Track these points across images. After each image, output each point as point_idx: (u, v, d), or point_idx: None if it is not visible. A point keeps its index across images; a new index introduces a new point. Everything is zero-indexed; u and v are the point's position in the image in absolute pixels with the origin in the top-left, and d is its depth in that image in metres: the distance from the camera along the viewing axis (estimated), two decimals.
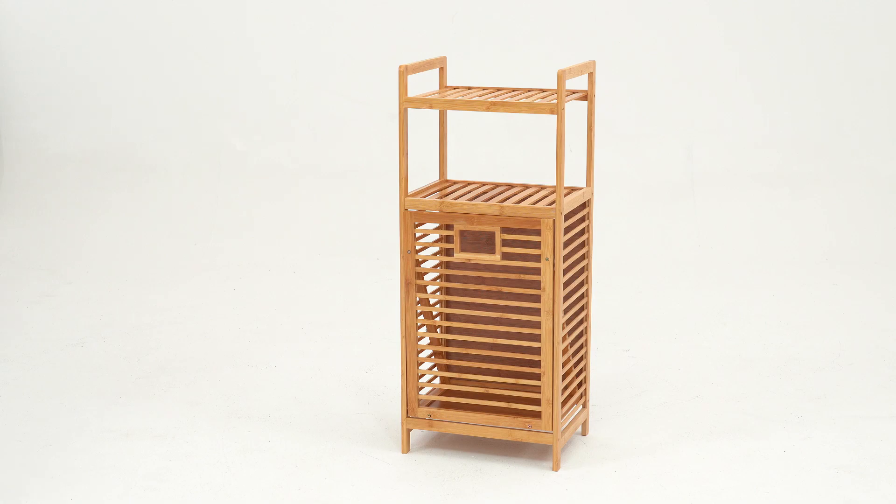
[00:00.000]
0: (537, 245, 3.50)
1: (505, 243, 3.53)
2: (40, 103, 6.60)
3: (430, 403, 3.73)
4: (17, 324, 4.98)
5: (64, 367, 4.49)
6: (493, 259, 3.53)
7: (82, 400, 4.18)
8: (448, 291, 3.72)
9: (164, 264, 5.74)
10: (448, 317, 3.74)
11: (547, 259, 3.45)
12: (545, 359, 3.53)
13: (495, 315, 3.59)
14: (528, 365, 3.61)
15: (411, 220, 3.57)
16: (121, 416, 4.03)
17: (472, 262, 3.58)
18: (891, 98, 6.15)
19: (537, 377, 3.59)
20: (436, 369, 3.71)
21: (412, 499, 3.48)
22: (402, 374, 3.67)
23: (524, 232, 3.51)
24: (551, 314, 3.49)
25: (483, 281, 3.64)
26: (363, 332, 4.80)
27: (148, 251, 5.79)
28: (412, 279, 3.61)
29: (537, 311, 3.56)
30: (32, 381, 4.36)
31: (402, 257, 3.60)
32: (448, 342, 3.72)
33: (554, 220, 3.47)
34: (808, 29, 6.16)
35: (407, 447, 3.75)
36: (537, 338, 3.60)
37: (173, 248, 5.93)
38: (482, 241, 3.81)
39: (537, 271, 3.53)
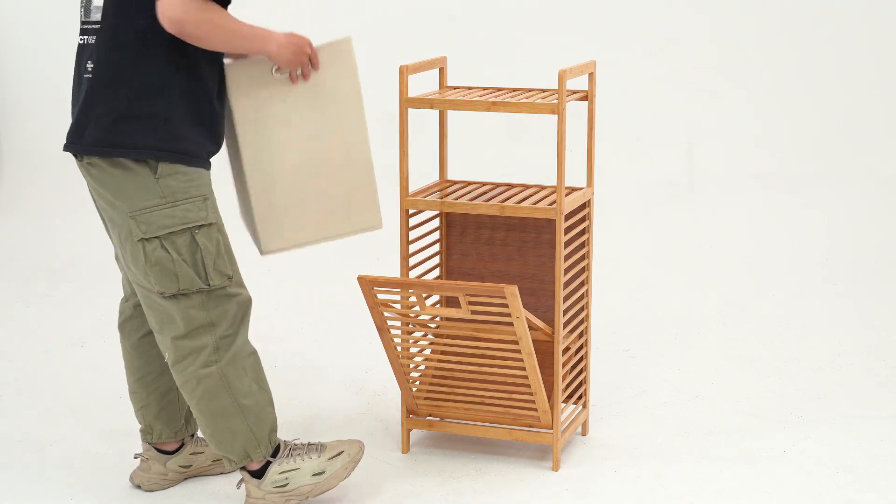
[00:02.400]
0: (504, 305, 3.38)
1: (472, 303, 3.40)
2: (40, 103, 6.60)
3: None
4: (17, 324, 4.98)
5: (64, 367, 4.49)
6: (462, 313, 3.41)
7: (82, 400, 4.18)
8: (423, 334, 3.63)
9: None
10: (429, 352, 3.68)
11: (518, 317, 3.37)
12: (533, 382, 3.48)
13: (477, 351, 3.52)
14: (519, 386, 3.56)
15: (368, 285, 3.43)
16: (121, 416, 4.03)
17: (440, 316, 3.46)
18: (891, 98, 6.15)
19: (530, 394, 3.55)
20: (428, 393, 3.67)
21: (412, 499, 3.48)
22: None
23: (489, 295, 3.35)
24: (532, 355, 3.42)
25: (457, 330, 3.53)
26: (363, 332, 4.79)
27: None
28: (384, 327, 3.54)
29: (518, 351, 3.45)
30: (32, 381, 4.36)
31: (370, 308, 3.51)
32: (437, 370, 3.67)
33: (555, 220, 3.47)
34: (808, 29, 6.17)
35: (407, 447, 3.74)
36: (523, 369, 3.49)
37: None
38: (482, 241, 3.81)
39: (510, 324, 3.42)
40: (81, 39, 3.21)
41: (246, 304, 3.29)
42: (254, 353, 3.32)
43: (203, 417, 3.28)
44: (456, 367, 3.57)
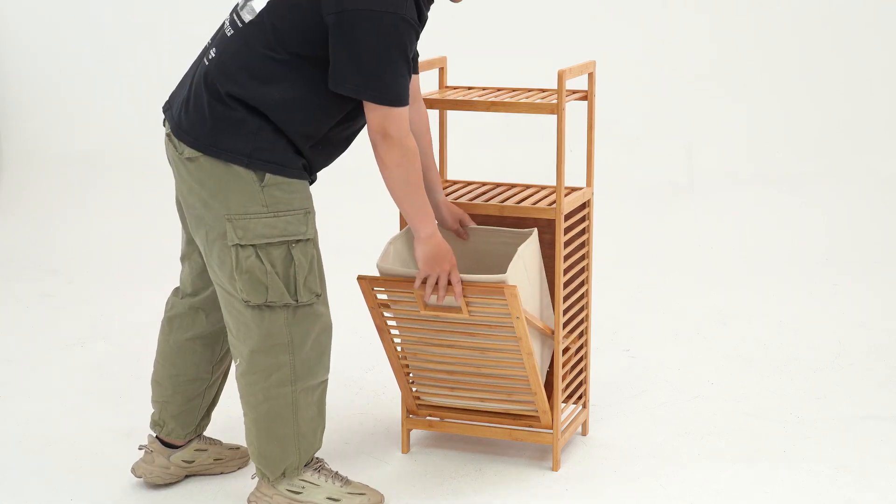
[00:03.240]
0: (504, 305, 3.32)
1: (471, 303, 3.37)
2: (40, 103, 6.60)
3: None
4: (17, 324, 4.98)
5: (64, 367, 4.49)
6: (462, 316, 3.40)
7: (82, 400, 4.18)
8: (423, 335, 3.57)
9: (164, 264, 5.73)
10: (427, 353, 3.64)
11: (518, 318, 3.35)
12: (533, 383, 3.48)
13: (475, 351, 3.51)
14: (518, 386, 3.56)
15: (368, 284, 3.44)
16: (121, 416, 4.03)
17: (440, 316, 3.44)
18: (891, 98, 6.15)
19: (529, 393, 3.55)
20: (431, 395, 3.67)
21: (412, 499, 3.48)
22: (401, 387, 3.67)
23: (488, 296, 3.34)
24: (532, 355, 3.43)
25: (455, 328, 3.49)
26: (363, 333, 4.79)
27: (148, 250, 5.79)
28: (384, 327, 3.54)
29: (517, 350, 3.44)
30: (32, 381, 4.36)
31: (370, 309, 3.51)
32: (433, 371, 3.66)
33: (555, 220, 3.47)
34: (808, 29, 6.16)
35: (407, 447, 3.74)
36: (522, 368, 3.48)
37: (174, 247, 5.92)
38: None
39: (509, 323, 3.41)
40: (229, 29, 3.14)
41: (329, 329, 3.26)
42: (326, 380, 3.30)
43: (257, 431, 3.24)
44: (456, 367, 3.56)
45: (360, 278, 3.40)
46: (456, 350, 3.52)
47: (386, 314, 3.51)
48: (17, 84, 6.61)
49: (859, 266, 5.58)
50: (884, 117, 6.14)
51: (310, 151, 3.18)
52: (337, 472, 3.38)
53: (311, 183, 3.26)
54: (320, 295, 3.22)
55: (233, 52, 3.09)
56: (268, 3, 3.08)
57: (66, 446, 3.82)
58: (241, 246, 3.09)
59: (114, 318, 5.00)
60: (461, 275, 3.32)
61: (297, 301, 3.15)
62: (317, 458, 3.38)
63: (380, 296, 3.45)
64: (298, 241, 3.14)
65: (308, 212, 3.16)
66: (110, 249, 5.87)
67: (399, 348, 3.59)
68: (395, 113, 3.07)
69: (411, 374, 3.64)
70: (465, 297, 3.33)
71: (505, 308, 3.33)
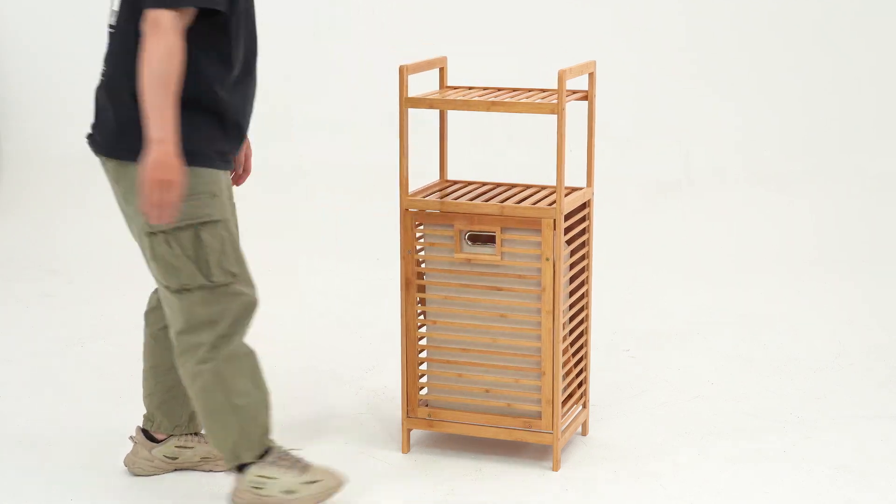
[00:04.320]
0: (538, 245, 3.49)
1: (505, 243, 3.52)
2: (40, 103, 6.60)
3: (429, 403, 3.72)
4: (17, 324, 4.98)
5: (64, 367, 4.49)
6: (494, 259, 3.52)
7: (82, 400, 4.18)
8: (448, 292, 3.69)
9: None
10: (448, 317, 3.72)
11: (548, 259, 3.45)
12: (545, 358, 3.53)
13: (495, 315, 3.58)
14: (528, 365, 3.60)
15: (412, 219, 3.56)
16: (121, 416, 4.03)
17: (472, 261, 3.57)
18: (879, 97, 6.14)
19: (537, 377, 3.58)
20: (437, 368, 3.70)
21: (412, 499, 3.48)
22: (403, 374, 3.67)
23: (525, 231, 3.49)
24: (552, 314, 3.48)
25: (483, 281, 3.62)
26: (363, 332, 4.80)
27: None
28: (412, 279, 3.60)
29: (537, 311, 3.54)
30: (32, 381, 4.36)
31: (403, 257, 3.60)
32: (448, 342, 3.71)
33: (554, 220, 3.47)
34: (796, 28, 6.16)
35: (407, 447, 3.74)
36: (538, 338, 3.57)
37: None
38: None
39: (537, 271, 3.52)
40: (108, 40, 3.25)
41: (251, 307, 3.30)
42: (250, 353, 3.33)
43: (200, 413, 3.34)
44: (472, 335, 3.58)
45: (406, 211, 3.53)
46: (476, 314, 3.56)
47: (418, 257, 3.58)
48: (17, 84, 6.61)
49: (859, 266, 5.58)
50: (872, 116, 6.13)
51: (226, 99, 3.17)
52: (296, 459, 3.38)
53: (233, 151, 3.26)
54: (237, 275, 3.27)
55: (120, 54, 3.15)
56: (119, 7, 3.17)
57: (66, 446, 3.82)
58: (153, 234, 3.19)
59: (114, 318, 5.00)
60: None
61: (211, 282, 3.22)
62: (276, 448, 3.38)
63: (418, 234, 3.56)
64: (205, 223, 3.21)
65: (215, 195, 3.21)
66: (110, 249, 5.87)
67: (421, 315, 3.62)
68: (171, 12, 2.98)
69: (424, 353, 3.66)
70: (501, 230, 3.46)
71: (537, 249, 3.40)
